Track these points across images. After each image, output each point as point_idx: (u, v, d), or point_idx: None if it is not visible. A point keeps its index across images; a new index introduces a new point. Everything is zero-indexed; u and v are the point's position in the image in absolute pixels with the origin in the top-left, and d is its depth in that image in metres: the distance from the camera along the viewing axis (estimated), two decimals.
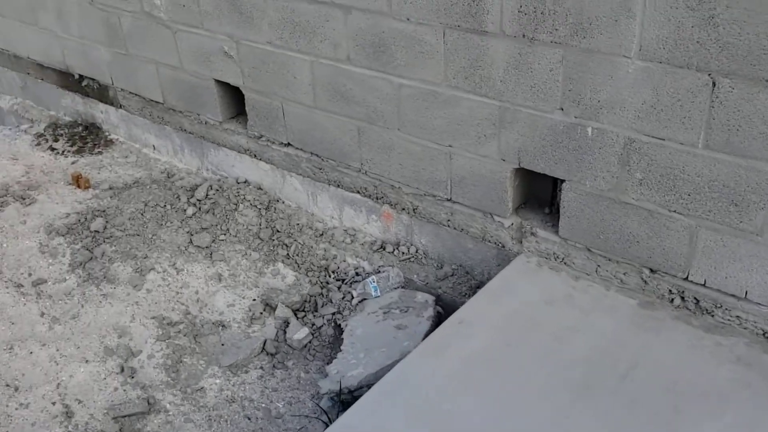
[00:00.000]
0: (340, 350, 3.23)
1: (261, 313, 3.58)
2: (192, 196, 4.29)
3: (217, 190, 4.31)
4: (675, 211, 2.69)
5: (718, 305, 2.73)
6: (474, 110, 3.08)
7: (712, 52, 2.35)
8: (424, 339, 3.12)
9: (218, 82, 4.21)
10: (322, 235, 3.99)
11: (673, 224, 2.72)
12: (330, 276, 3.74)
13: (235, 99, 4.35)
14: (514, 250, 3.29)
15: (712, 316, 2.76)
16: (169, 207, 4.22)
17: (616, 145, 2.72)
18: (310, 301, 3.64)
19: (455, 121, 3.17)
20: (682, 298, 2.83)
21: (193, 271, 3.82)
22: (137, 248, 3.91)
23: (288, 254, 3.92)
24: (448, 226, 3.49)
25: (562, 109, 2.81)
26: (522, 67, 2.84)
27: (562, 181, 3.00)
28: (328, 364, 3.29)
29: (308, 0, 3.42)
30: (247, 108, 4.13)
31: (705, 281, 2.73)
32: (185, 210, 4.18)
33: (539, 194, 3.31)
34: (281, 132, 4.02)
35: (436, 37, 3.04)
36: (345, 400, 3.00)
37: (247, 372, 3.28)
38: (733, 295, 2.68)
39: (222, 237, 4.02)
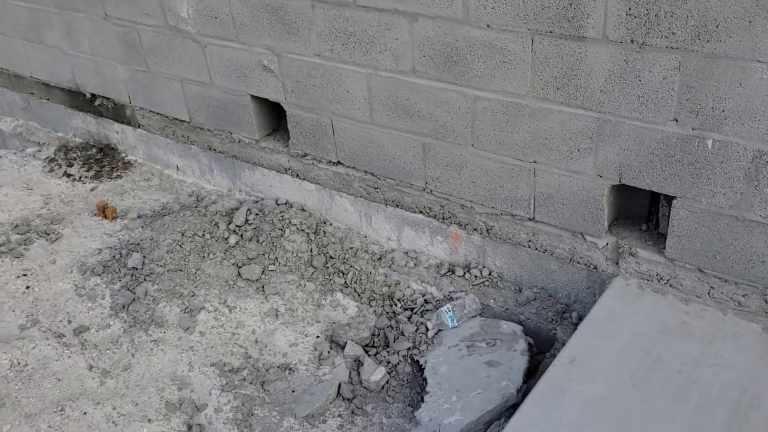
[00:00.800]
0: (426, 392, 2.94)
1: (329, 352, 3.28)
2: (230, 222, 3.96)
3: (258, 213, 3.99)
4: None
5: None
6: (566, 123, 2.79)
7: None
8: (524, 379, 2.86)
9: (254, 98, 3.88)
10: (380, 259, 3.69)
11: None
12: (396, 305, 3.45)
13: (272, 116, 4.04)
14: (608, 271, 3.01)
15: None
16: (208, 236, 3.89)
17: (743, 159, 2.45)
18: (379, 335, 3.34)
19: (542, 135, 2.88)
20: None
21: (247, 308, 3.51)
22: (182, 285, 3.59)
23: (346, 282, 3.62)
24: (529, 246, 3.21)
25: (677, 121, 2.53)
26: (628, 75, 2.55)
27: (670, 197, 2.73)
28: (412, 407, 3.01)
29: (365, 8, 3.11)
30: (289, 125, 3.81)
31: None
32: (227, 238, 3.85)
33: (633, 210, 3.03)
34: (330, 150, 3.71)
35: (523, 45, 2.74)
36: None
37: (325, 422, 2.98)
38: None
39: (271, 267, 3.70)
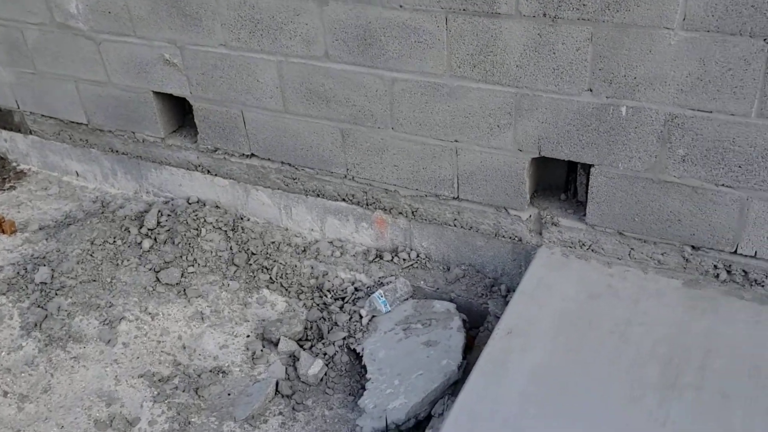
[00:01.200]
0: (367, 379, 2.91)
1: (262, 351, 3.19)
2: (142, 226, 3.79)
3: (170, 214, 3.83)
4: (723, 185, 2.56)
5: None
6: (485, 100, 2.82)
7: None
8: (463, 355, 2.89)
9: (157, 94, 3.71)
10: (304, 251, 3.63)
11: (721, 198, 2.59)
12: (326, 296, 3.40)
13: (177, 112, 3.88)
14: (533, 242, 3.08)
15: (763, 286, 2.68)
16: (120, 242, 3.70)
17: (656, 123, 2.55)
18: (312, 328, 3.28)
19: (462, 114, 2.90)
20: (729, 272, 2.73)
21: (170, 313, 3.37)
22: (97, 296, 3.39)
23: (271, 278, 3.53)
24: (455, 225, 3.23)
25: (591, 90, 2.60)
26: (542, 49, 2.60)
27: (588, 165, 2.81)
28: (354, 396, 2.98)
29: None
30: (196, 120, 3.67)
31: (756, 252, 2.64)
32: (140, 243, 3.68)
33: (552, 180, 3.11)
34: (242, 142, 3.60)
35: (437, 24, 2.74)
36: None
37: (266, 421, 2.91)
38: None
39: (191, 269, 3.57)
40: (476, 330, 3.14)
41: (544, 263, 2.98)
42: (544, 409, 2.32)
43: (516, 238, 3.12)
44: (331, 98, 3.17)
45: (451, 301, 3.23)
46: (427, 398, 2.73)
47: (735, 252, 2.68)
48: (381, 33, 2.88)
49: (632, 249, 2.88)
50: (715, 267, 2.74)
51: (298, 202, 3.61)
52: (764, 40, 2.25)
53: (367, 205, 3.42)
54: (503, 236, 3.14)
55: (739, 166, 2.49)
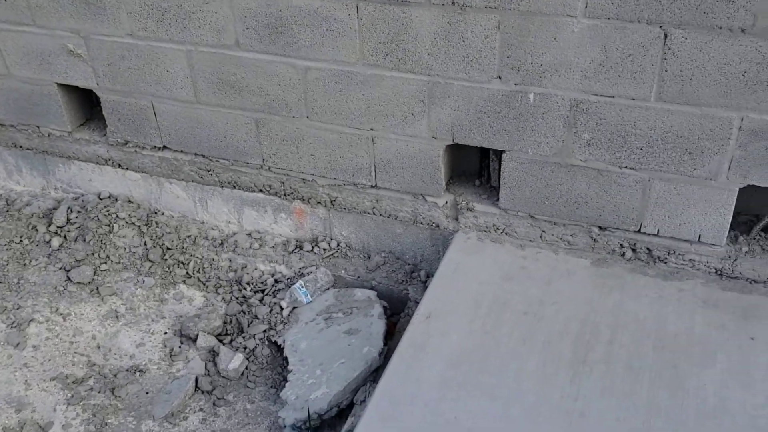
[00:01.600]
0: (289, 371, 2.90)
1: (180, 347, 3.13)
2: (50, 224, 3.65)
3: (80, 211, 3.70)
4: (627, 167, 2.67)
5: (672, 252, 2.78)
6: (398, 88, 2.84)
7: (664, 4, 2.30)
8: (384, 341, 2.91)
9: (62, 86, 3.56)
10: (221, 244, 3.57)
11: (624, 180, 2.70)
12: (245, 289, 3.36)
13: (84, 104, 3.74)
14: (450, 228, 3.13)
15: (666, 263, 2.81)
16: (27, 241, 3.55)
17: (562, 108, 2.63)
18: (232, 322, 3.24)
19: (377, 102, 2.91)
20: (634, 250, 2.85)
21: (83, 313, 3.26)
22: (4, 298, 3.25)
23: (188, 273, 3.47)
24: (374, 213, 3.25)
25: (500, 78, 2.66)
26: (452, 37, 2.63)
27: (499, 151, 2.88)
28: (276, 389, 2.96)
29: None
30: (104, 112, 3.54)
31: (658, 231, 2.77)
32: (49, 242, 3.55)
33: (467, 167, 3.16)
34: (153, 135, 3.50)
35: (348, 12, 2.74)
36: (315, 426, 2.70)
37: (186, 418, 2.86)
38: (686, 240, 2.74)
39: (104, 267, 3.46)
40: (397, 316, 3.17)
41: (460, 248, 3.03)
42: (463, 391, 2.37)
43: (434, 225, 3.16)
44: (244, 88, 3.12)
45: (372, 288, 3.25)
46: (349, 386, 2.74)
47: (639, 231, 2.80)
48: (292, 21, 2.85)
49: (543, 231, 2.96)
50: (621, 246, 2.86)
51: (214, 194, 3.55)
52: (660, 27, 2.35)
53: (285, 195, 3.39)
54: (421, 223, 3.18)
55: (641, 149, 2.60)
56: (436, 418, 2.29)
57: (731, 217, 2.65)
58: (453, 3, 2.56)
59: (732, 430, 2.19)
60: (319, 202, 3.34)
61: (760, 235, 2.74)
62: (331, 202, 3.31)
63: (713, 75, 2.36)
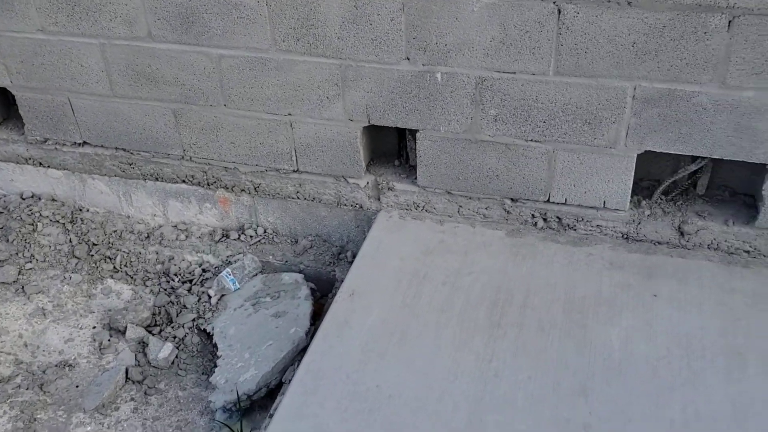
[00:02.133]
0: (218, 356, 2.94)
1: (109, 340, 3.14)
2: None
3: (1, 212, 3.65)
4: (532, 140, 2.79)
5: (580, 219, 2.92)
6: (312, 73, 2.90)
7: None
8: (311, 322, 2.98)
9: None
10: (148, 237, 3.58)
11: (531, 153, 2.82)
12: (173, 280, 3.38)
13: (1, 103, 3.67)
14: (373, 208, 3.21)
15: (575, 230, 2.95)
16: None
17: (468, 86, 2.73)
18: (160, 314, 3.26)
19: (292, 87, 2.96)
20: (545, 220, 2.98)
21: (8, 312, 3.23)
22: None
23: (115, 267, 3.46)
24: (298, 198, 3.31)
25: (409, 59, 2.75)
26: (360, 20, 2.71)
27: (414, 131, 2.97)
28: (207, 375, 2.99)
29: None
30: (21, 111, 3.50)
31: (566, 200, 2.90)
32: None
33: (386, 147, 3.25)
34: (72, 131, 3.48)
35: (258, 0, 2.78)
36: (245, 407, 2.76)
37: (117, 408, 2.87)
38: (593, 207, 2.88)
39: (29, 266, 3.43)
40: (326, 298, 3.23)
41: (383, 227, 3.12)
42: (383, 361, 2.46)
43: (357, 206, 3.24)
44: (160, 79, 3.13)
45: (300, 272, 3.31)
46: (277, 366, 2.80)
47: (548, 201, 2.93)
48: (203, 10, 2.88)
49: (460, 206, 3.07)
50: (533, 216, 2.99)
51: (138, 187, 3.55)
52: (554, 2, 2.47)
53: (208, 185, 3.42)
54: (345, 205, 3.25)
55: (544, 122, 2.73)
56: (357, 387, 2.37)
57: (632, 183, 2.79)
58: None
59: (635, 380, 2.33)
60: (243, 190, 3.37)
61: (661, 199, 2.90)
62: (255, 189, 3.35)
63: (605, 47, 2.50)
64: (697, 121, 2.54)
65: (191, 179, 3.43)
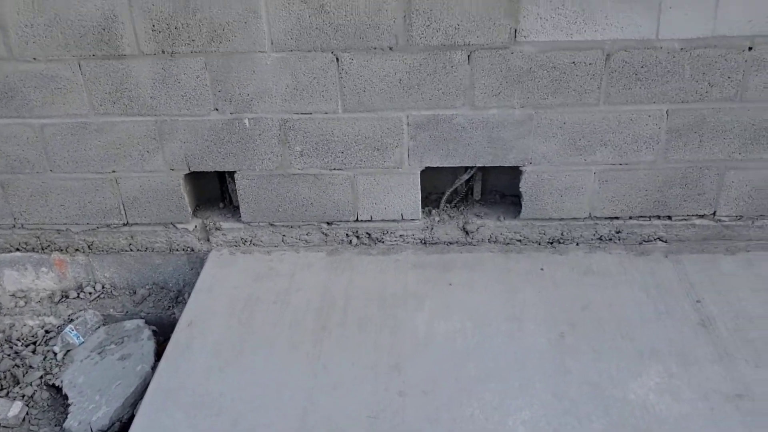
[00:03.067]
0: (69, 404, 3.09)
1: None
2: None
3: None
4: (335, 169, 3.26)
5: (385, 232, 3.40)
6: (131, 131, 3.21)
7: (330, 35, 2.93)
8: (156, 358, 3.21)
9: None
10: None
11: (336, 180, 3.28)
12: (17, 345, 3.47)
13: None
14: (204, 249, 3.52)
15: (383, 242, 3.43)
16: None
17: (273, 128, 3.16)
18: (6, 378, 3.33)
19: (114, 146, 3.25)
20: (358, 237, 3.44)
21: None
22: None
23: None
24: (131, 250, 3.55)
25: (217, 109, 3.14)
26: (169, 80, 3.07)
27: (232, 172, 3.34)
28: (60, 425, 3.12)
29: None
30: None
31: (371, 217, 3.38)
32: None
33: (210, 192, 3.59)
34: None
35: (72, 71, 3.07)
36: None
37: None
38: (394, 220, 3.38)
39: None
40: (168, 341, 3.46)
41: (215, 263, 3.44)
42: (224, 373, 2.76)
43: (189, 249, 3.53)
44: None
45: (142, 319, 3.52)
46: (128, 401, 3.00)
47: (357, 220, 3.40)
48: (21, 85, 3.12)
49: (284, 236, 3.46)
50: (347, 235, 3.44)
51: None
52: (332, 53, 2.97)
53: (42, 249, 3.57)
54: (177, 250, 3.54)
55: (342, 152, 3.21)
56: (204, 398, 2.65)
57: (421, 196, 3.33)
58: (163, 52, 3.01)
59: (438, 352, 2.79)
60: (77, 250, 3.56)
61: (447, 207, 3.46)
62: (89, 247, 3.55)
63: (379, 85, 3.03)
64: (459, 138, 3.12)
65: (25, 246, 3.57)
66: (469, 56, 2.94)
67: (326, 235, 3.45)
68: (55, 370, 3.30)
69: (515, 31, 2.87)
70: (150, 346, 3.27)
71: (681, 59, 2.89)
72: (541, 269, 3.21)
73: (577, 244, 3.35)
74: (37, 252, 3.58)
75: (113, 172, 3.32)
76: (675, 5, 2.79)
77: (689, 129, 3.05)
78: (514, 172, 3.28)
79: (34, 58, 3.05)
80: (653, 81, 2.94)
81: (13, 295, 3.68)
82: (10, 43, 3.02)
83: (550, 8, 2.81)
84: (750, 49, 2.86)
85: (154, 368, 3.15)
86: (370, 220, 3.40)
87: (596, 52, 2.90)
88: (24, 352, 3.40)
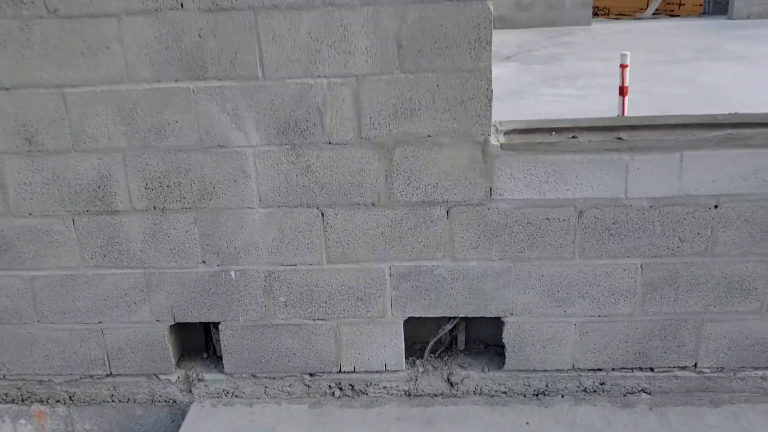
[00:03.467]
0: None
1: None
2: None
3: None
4: (318, 319, 3.29)
5: (369, 383, 3.39)
6: (119, 283, 3.27)
7: (316, 192, 3.07)
8: None
9: None
10: None
11: (319, 330, 3.32)
12: None
13: None
14: (186, 401, 3.49)
15: (366, 394, 3.41)
16: None
17: (259, 280, 3.24)
18: None
19: (102, 297, 3.30)
20: (340, 389, 3.42)
21: None
22: None
23: None
24: (113, 401, 3.51)
25: (205, 262, 3.22)
26: (159, 234, 3.18)
27: (217, 323, 3.38)
28: None
29: None
30: None
31: (354, 368, 3.38)
32: None
33: (194, 343, 3.60)
34: None
35: (66, 225, 3.19)
36: None
37: None
38: (377, 371, 3.37)
39: None
40: None
41: (195, 416, 3.39)
42: None
43: (171, 400, 3.49)
44: None
45: None
46: None
47: (340, 371, 3.39)
48: (15, 239, 3.22)
49: (266, 387, 3.44)
50: (330, 387, 3.42)
51: None
52: (317, 208, 3.10)
53: (22, 401, 3.53)
54: (159, 401, 3.50)
55: (326, 302, 3.26)
56: None
57: (405, 346, 3.35)
58: (155, 208, 3.14)
59: None
60: (58, 401, 3.52)
61: (431, 357, 3.47)
62: (70, 398, 3.51)
63: (362, 238, 3.14)
64: (440, 289, 3.19)
65: (5, 397, 3.53)
66: (447, 212, 3.07)
67: (309, 386, 3.42)
68: None
69: (490, 189, 3.01)
70: None
71: (651, 216, 3.02)
72: (527, 423, 3.17)
73: (562, 396, 3.32)
74: (17, 403, 3.54)
75: (100, 323, 3.36)
76: (641, 166, 2.95)
77: (664, 282, 3.12)
78: (497, 322, 3.32)
79: (30, 214, 3.17)
80: (626, 236, 3.05)
81: None
82: (8, 200, 3.15)
83: (522, 169, 2.97)
84: (716, 207, 2.99)
85: None
86: (354, 371, 3.39)
87: (569, 209, 3.03)
88: None
